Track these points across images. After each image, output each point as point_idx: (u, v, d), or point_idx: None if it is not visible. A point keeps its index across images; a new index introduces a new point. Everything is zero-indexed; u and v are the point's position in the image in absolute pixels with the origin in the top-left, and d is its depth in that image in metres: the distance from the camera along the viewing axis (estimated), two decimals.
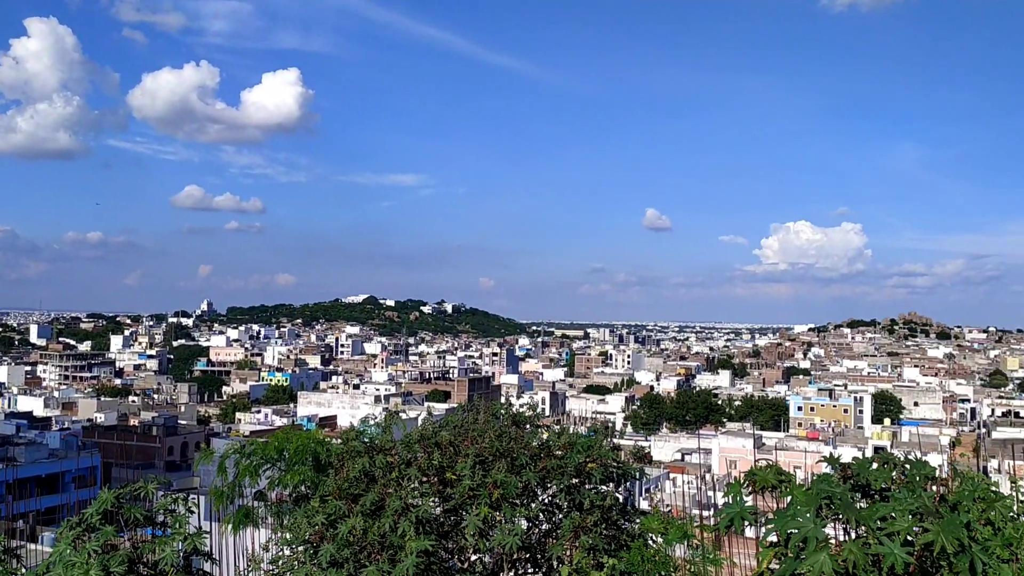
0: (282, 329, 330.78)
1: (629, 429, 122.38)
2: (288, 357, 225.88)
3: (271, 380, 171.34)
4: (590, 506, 6.56)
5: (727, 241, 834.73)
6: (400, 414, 8.94)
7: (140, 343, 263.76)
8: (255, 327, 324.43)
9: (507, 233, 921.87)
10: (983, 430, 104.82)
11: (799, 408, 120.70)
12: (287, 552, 6.72)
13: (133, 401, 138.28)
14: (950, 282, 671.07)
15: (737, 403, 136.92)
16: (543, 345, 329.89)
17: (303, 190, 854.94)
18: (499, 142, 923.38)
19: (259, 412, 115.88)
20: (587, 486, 7.02)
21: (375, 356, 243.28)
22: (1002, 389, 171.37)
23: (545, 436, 7.48)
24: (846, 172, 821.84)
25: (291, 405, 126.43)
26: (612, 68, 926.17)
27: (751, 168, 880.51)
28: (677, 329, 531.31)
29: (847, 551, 4.16)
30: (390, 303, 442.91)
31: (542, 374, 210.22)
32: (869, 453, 49.81)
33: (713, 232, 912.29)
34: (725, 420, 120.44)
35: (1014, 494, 6.42)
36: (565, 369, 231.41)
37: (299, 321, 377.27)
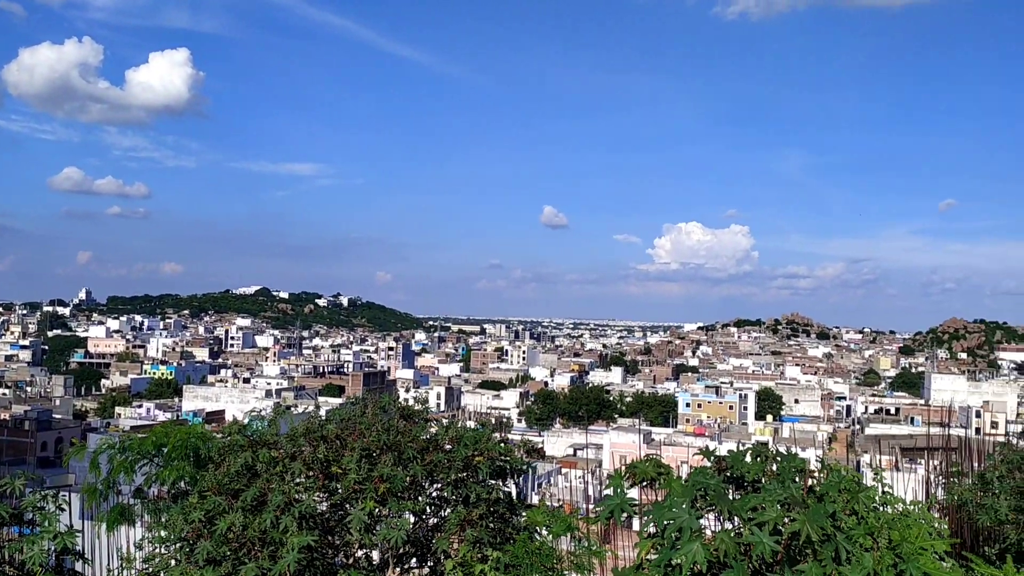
0: (167, 320, 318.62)
1: (523, 424, 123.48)
2: (173, 349, 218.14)
3: (154, 373, 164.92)
4: (476, 500, 6.57)
5: (622, 240, 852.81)
6: (292, 408, 8.73)
7: (12, 332, 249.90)
8: (138, 318, 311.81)
9: (405, 227, 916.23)
10: (857, 426, 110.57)
11: (687, 405, 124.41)
12: (161, 550, 6.48)
13: (4, 394, 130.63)
14: (830, 284, 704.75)
15: (628, 399, 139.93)
16: (440, 340, 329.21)
17: (193, 176, 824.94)
18: (399, 134, 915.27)
19: (141, 407, 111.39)
20: (474, 480, 7.04)
21: (267, 349, 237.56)
22: (875, 387, 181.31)
23: (434, 430, 7.46)
24: (735, 175, 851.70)
25: (176, 400, 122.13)
26: (512, 64, 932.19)
27: (646, 169, 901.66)
28: (572, 326, 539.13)
29: (719, 540, 4.31)
30: (284, 295, 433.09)
31: (438, 369, 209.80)
32: None
33: (608, 231, 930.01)
34: (616, 416, 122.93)
35: (878, 486, 6.80)
36: (461, 364, 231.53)
37: (186, 312, 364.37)
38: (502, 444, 7.58)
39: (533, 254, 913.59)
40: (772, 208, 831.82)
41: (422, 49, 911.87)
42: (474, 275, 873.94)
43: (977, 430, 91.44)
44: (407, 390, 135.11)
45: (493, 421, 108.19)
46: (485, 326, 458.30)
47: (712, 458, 5.26)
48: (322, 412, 7.65)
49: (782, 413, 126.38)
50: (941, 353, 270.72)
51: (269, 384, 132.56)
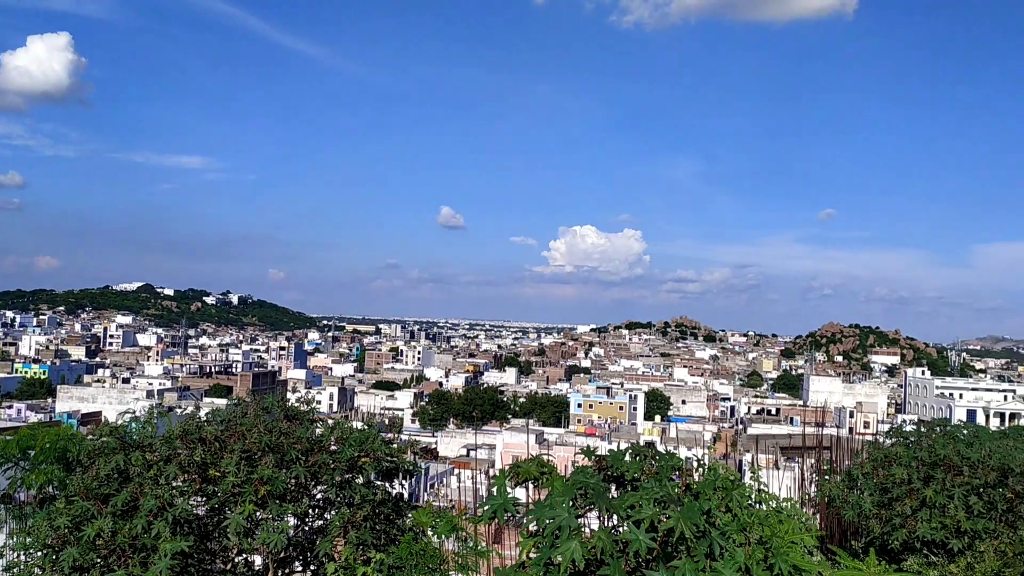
0: (41, 317, 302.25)
1: (417, 425, 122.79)
2: (47, 348, 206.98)
3: (26, 372, 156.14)
4: (361, 501, 6.50)
5: (518, 242, 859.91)
6: (176, 410, 8.43)
7: None
8: (9, 313, 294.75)
9: (299, 224, 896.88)
10: (740, 426, 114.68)
11: (579, 405, 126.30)
12: (23, 558, 6.14)
13: None
14: (717, 289, 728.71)
15: (522, 400, 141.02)
16: (334, 340, 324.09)
17: (71, 166, 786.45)
18: (292, 129, 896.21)
19: (11, 407, 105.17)
20: (360, 481, 6.96)
21: (149, 348, 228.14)
22: (758, 389, 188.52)
23: (320, 431, 7.33)
24: (629, 181, 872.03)
25: (49, 400, 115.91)
26: (409, 62, 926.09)
27: (542, 171, 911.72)
28: (468, 327, 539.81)
29: (597, 538, 4.40)
30: (169, 292, 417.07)
31: (331, 369, 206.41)
32: None
33: (505, 232, 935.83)
34: (510, 416, 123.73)
35: (754, 483, 7.07)
36: (355, 365, 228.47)
37: (61, 309, 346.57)
38: (389, 445, 7.52)
39: (430, 254, 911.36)
40: (663, 213, 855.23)
41: (315, 43, 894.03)
42: (370, 274, 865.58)
43: (850, 429, 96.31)
44: (293, 390, 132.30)
45: (386, 422, 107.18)
46: (380, 326, 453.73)
47: (593, 457, 5.36)
48: (202, 413, 7.40)
49: (670, 413, 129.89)
50: (819, 356, 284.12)
51: (151, 384, 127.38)
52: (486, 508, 5.14)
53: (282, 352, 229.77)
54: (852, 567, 7.39)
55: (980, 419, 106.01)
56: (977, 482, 8.95)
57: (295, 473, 6.32)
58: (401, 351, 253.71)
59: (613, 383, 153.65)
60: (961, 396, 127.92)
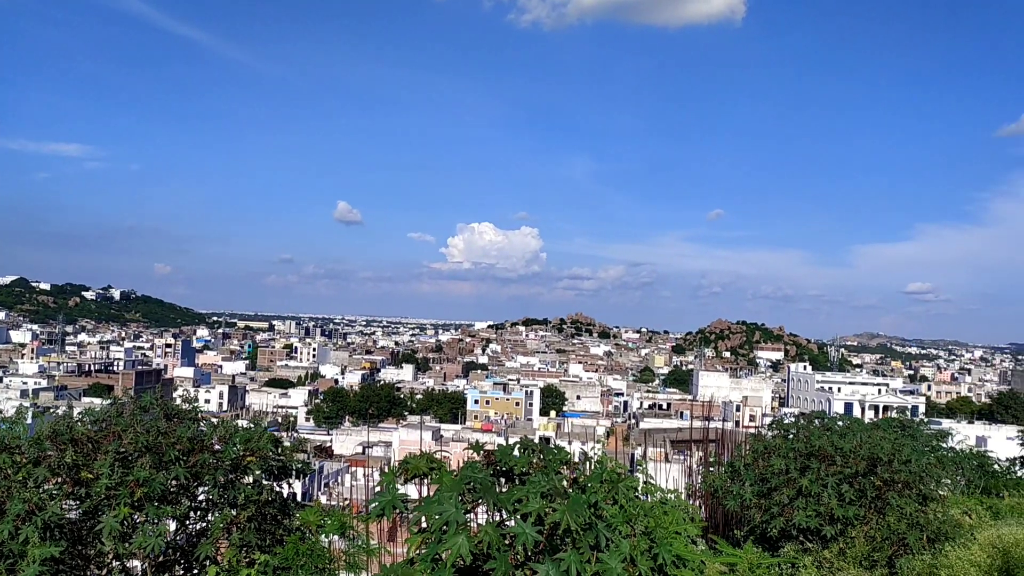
0: None
1: (311, 423, 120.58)
2: None
3: None
4: (245, 501, 6.33)
5: (416, 238, 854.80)
6: (53, 410, 8.03)
7: None
8: None
9: (188, 217, 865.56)
10: (633, 421, 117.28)
11: (476, 401, 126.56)
12: None
13: None
14: (611, 286, 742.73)
15: (419, 397, 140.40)
16: (224, 337, 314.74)
17: None
18: (181, 118, 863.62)
19: None
20: (247, 481, 6.78)
21: (23, 346, 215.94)
22: (650, 384, 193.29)
23: (204, 430, 7.10)
24: (527, 179, 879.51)
25: None
26: (306, 54, 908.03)
27: (441, 168, 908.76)
28: (364, 323, 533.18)
29: (483, 532, 4.42)
30: (44, 286, 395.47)
31: (221, 367, 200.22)
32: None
33: (403, 228, 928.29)
34: (407, 413, 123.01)
35: (641, 476, 7.24)
36: (247, 362, 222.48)
37: None
38: (278, 443, 7.35)
39: (326, 250, 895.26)
40: (560, 211, 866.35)
41: (206, 31, 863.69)
42: (263, 270, 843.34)
43: (737, 423, 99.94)
44: (175, 389, 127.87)
45: (279, 420, 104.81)
46: (274, 323, 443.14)
47: (481, 452, 5.38)
48: (76, 412, 7.05)
49: (565, 409, 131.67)
50: (708, 352, 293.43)
51: (25, 384, 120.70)
52: (374, 505, 5.08)
53: (168, 350, 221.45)
54: (731, 554, 7.69)
55: (856, 412, 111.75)
56: (849, 471, 9.43)
57: (174, 474, 6.10)
58: (295, 348, 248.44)
59: (510, 379, 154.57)
60: (839, 390, 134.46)
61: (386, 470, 5.64)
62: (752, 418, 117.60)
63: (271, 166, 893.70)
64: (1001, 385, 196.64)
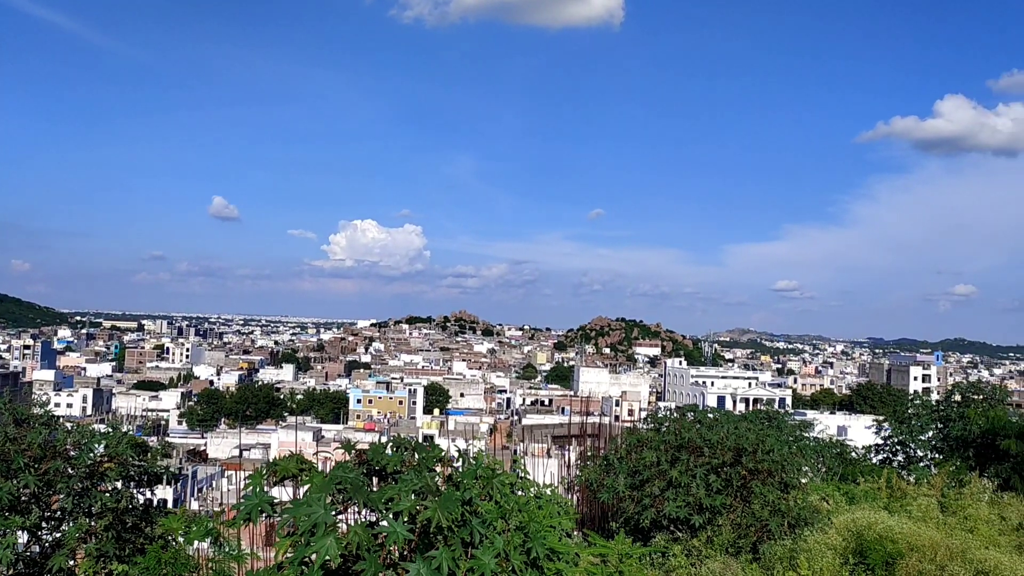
0: None
1: (184, 426, 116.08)
2: None
3: None
4: (102, 510, 6.03)
5: (296, 235, 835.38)
6: None
7: None
8: None
9: (48, 211, 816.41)
10: (516, 417, 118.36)
11: (358, 401, 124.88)
12: None
13: None
14: (495, 284, 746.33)
15: (299, 397, 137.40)
16: (88, 337, 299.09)
17: None
18: (42, 106, 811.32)
19: None
20: (103, 488, 6.45)
21: None
22: (532, 381, 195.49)
23: (57, 435, 6.71)
24: (410, 176, 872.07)
25: None
26: (179, 42, 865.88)
27: (322, 164, 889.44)
28: (242, 322, 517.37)
29: (352, 533, 4.35)
30: None
31: (85, 369, 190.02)
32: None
33: (283, 225, 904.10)
34: (287, 414, 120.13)
35: (517, 471, 7.31)
36: (114, 364, 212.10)
37: None
38: (140, 448, 7.03)
39: (200, 246, 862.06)
40: (444, 209, 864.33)
41: (68, 14, 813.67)
42: (132, 267, 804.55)
43: (616, 417, 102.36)
44: (32, 393, 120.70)
45: (149, 424, 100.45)
46: (144, 322, 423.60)
47: (353, 452, 5.30)
48: None
49: (449, 406, 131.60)
50: (589, 348, 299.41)
51: None
52: (240, 509, 4.93)
53: (26, 351, 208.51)
54: (602, 546, 7.85)
55: (728, 405, 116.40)
56: (716, 462, 9.82)
57: (24, 482, 5.74)
58: (167, 349, 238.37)
59: (393, 378, 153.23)
60: (712, 384, 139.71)
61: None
62: (631, 412, 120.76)
63: (141, 159, 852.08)
64: (860, 377, 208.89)
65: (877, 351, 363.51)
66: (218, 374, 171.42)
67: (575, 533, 9.28)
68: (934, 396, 38.53)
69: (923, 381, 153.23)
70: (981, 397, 26.69)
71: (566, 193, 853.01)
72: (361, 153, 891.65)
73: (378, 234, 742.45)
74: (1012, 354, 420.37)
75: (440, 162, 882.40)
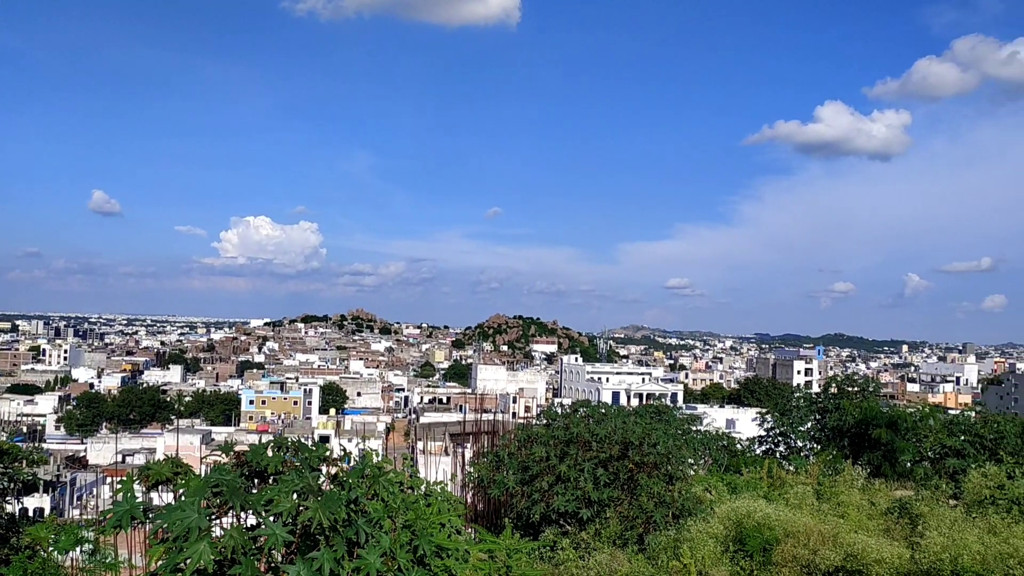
0: None
1: (62, 432, 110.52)
2: None
3: None
4: None
5: (184, 232, 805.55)
6: None
7: None
8: None
9: None
10: (414, 416, 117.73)
11: (251, 402, 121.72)
12: None
13: None
14: (392, 282, 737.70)
15: (188, 399, 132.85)
16: None
17: None
18: None
19: None
20: None
21: None
22: (430, 379, 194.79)
23: None
24: (305, 172, 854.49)
25: None
26: (55, 27, 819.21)
27: (212, 158, 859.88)
28: (125, 322, 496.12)
29: (227, 537, 4.25)
30: None
31: None
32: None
33: (169, 221, 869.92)
34: (174, 417, 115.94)
35: (406, 470, 7.27)
36: None
37: None
38: (3, 455, 6.68)
39: (80, 243, 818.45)
40: (340, 207, 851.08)
41: None
42: (4, 264, 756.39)
43: (514, 414, 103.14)
44: None
45: (24, 429, 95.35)
46: (18, 322, 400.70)
47: (231, 453, 5.17)
48: None
49: (346, 406, 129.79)
50: (487, 346, 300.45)
51: None
52: (110, 516, 4.74)
53: None
54: (491, 541, 7.91)
55: (623, 400, 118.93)
56: (604, 456, 10.03)
57: None
58: (44, 350, 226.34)
59: (288, 378, 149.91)
60: (607, 380, 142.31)
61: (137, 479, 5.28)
62: (527, 409, 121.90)
63: (13, 150, 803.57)
64: (747, 372, 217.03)
65: (763, 346, 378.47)
66: (99, 376, 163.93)
67: (466, 530, 9.32)
68: (815, 389, 40.42)
69: (806, 375, 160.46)
70: (856, 389, 28.16)
71: (464, 191, 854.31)
72: (253, 148, 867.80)
73: (272, 231, 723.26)
74: (887, 348, 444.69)
75: (336, 158, 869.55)
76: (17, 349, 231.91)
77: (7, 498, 6.43)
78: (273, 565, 4.78)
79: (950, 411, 28.99)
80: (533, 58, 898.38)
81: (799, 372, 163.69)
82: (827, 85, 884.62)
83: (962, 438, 21.44)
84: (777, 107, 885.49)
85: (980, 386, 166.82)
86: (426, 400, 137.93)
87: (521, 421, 21.05)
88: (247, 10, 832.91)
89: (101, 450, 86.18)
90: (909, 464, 20.53)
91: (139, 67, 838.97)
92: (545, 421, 12.26)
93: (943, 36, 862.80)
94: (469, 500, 13.53)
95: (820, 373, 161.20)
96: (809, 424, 26.29)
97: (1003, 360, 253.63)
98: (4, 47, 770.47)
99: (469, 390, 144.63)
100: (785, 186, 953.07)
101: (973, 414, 25.28)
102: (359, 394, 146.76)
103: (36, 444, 79.70)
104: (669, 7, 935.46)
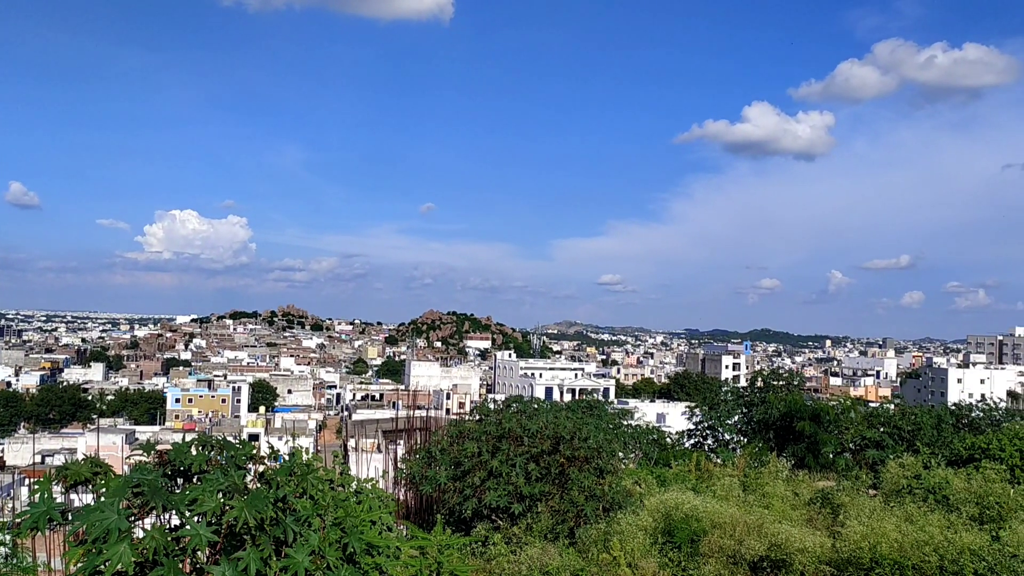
0: None
1: None
2: None
3: None
4: None
5: (107, 225, 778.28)
6: None
7: None
8: None
9: None
10: (346, 413, 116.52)
11: (177, 400, 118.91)
12: None
13: None
14: (324, 278, 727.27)
15: (111, 397, 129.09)
16: None
17: None
18: None
19: None
20: None
21: None
22: (363, 375, 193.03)
23: None
24: (233, 165, 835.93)
25: None
26: None
27: (135, 150, 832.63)
28: (44, 318, 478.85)
29: (148, 537, 4.14)
30: None
31: None
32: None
33: (91, 214, 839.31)
34: (96, 416, 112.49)
35: (336, 467, 7.20)
36: None
37: None
38: None
39: None
40: (270, 201, 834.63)
41: None
42: None
43: (447, 411, 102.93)
44: None
45: None
46: None
47: (153, 452, 5.04)
48: None
49: (276, 404, 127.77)
50: (420, 342, 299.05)
51: None
52: (25, 518, 4.58)
53: None
54: (423, 538, 7.90)
55: (556, 395, 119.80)
56: (536, 450, 10.09)
57: None
58: None
59: (216, 375, 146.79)
60: (541, 375, 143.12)
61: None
62: (461, 405, 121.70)
63: None
64: (678, 367, 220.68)
65: (693, 341, 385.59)
66: (16, 375, 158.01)
67: (398, 527, 9.27)
68: (742, 383, 41.39)
69: (734, 369, 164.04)
70: (781, 383, 28.92)
71: (397, 186, 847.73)
72: (180, 141, 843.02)
73: (199, 225, 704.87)
74: (811, 343, 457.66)
75: (267, 152, 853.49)
76: None
77: None
78: (198, 566, 4.69)
79: (870, 404, 30.00)
80: (466, 53, 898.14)
81: (727, 367, 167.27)
82: (754, 86, 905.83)
83: (881, 430, 22.21)
84: (706, 107, 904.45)
85: (899, 379, 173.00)
86: (358, 397, 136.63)
87: (455, 417, 21.04)
88: None
89: (19, 451, 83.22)
90: (831, 455, 21.16)
91: (59, 55, 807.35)
92: (478, 417, 12.26)
93: (865, 40, 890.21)
94: (401, 497, 13.47)
95: (747, 368, 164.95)
96: (736, 417, 26.89)
97: (920, 354, 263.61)
98: None
99: (402, 387, 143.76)
100: (714, 184, 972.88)
101: (892, 407, 26.24)
102: (290, 391, 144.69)
103: None
104: (601, 6, 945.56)
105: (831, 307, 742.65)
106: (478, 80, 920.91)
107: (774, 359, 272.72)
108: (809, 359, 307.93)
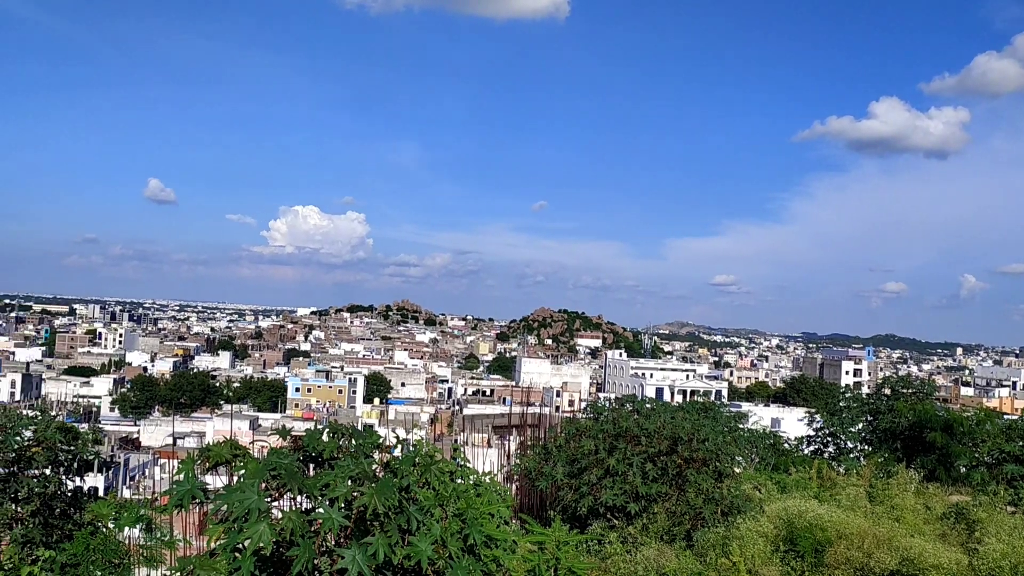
0: None
1: (116, 413, 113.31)
2: None
3: None
4: (28, 495, 5.86)
5: (235, 220, 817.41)
6: None
7: None
8: None
9: None
10: (457, 407, 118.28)
11: (297, 389, 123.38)
12: None
13: None
14: (438, 274, 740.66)
15: (236, 385, 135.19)
16: (17, 321, 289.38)
17: None
18: None
19: None
20: (30, 473, 6.27)
21: None
22: (474, 371, 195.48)
23: None
24: (354, 163, 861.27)
25: None
26: (115, 19, 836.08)
27: (263, 149, 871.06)
28: (177, 308, 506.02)
29: (286, 519, 4.31)
30: None
31: (14, 354, 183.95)
32: None
33: (221, 210, 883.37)
34: (223, 402, 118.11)
35: (457, 460, 7.31)
36: (44, 348, 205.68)
37: None
38: (69, 433, 6.84)
39: (135, 230, 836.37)
40: (387, 198, 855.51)
41: None
42: (63, 249, 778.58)
43: (557, 408, 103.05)
44: None
45: (79, 410, 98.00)
46: (76, 306, 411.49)
47: (288, 438, 5.25)
48: None
49: (390, 396, 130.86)
50: (531, 339, 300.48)
51: None
52: (172, 495, 4.84)
53: None
54: (540, 533, 7.91)
55: (666, 396, 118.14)
56: (653, 450, 9.95)
57: None
58: (100, 334, 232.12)
59: (333, 366, 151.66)
60: (651, 376, 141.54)
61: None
62: (571, 403, 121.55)
63: (73, 139, 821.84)
64: (793, 371, 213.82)
65: (810, 345, 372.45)
66: (152, 360, 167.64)
67: (513, 521, 9.34)
68: (864, 390, 39.71)
69: (854, 375, 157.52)
70: (910, 391, 27.58)
71: (511, 184, 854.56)
72: (303, 138, 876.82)
73: (320, 221, 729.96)
74: (940, 350, 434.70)
75: (384, 150, 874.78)
76: (74, 332, 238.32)
77: (71, 476, 6.60)
78: (326, 549, 4.84)
79: (1007, 416, 28.26)
80: (581, 52, 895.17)
81: (847, 373, 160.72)
82: (882, 81, 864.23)
83: (1020, 444, 20.88)
84: (829, 103, 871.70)
85: None
86: (470, 392, 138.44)
87: (565, 415, 21.00)
88: (298, 4, 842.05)
89: (153, 432, 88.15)
90: (964, 469, 20.04)
91: (193, 59, 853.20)
92: (592, 415, 12.20)
93: (1004, 31, 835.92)
94: (514, 492, 13.55)
95: (869, 374, 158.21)
96: (860, 425, 25.82)
97: None
98: (68, 40, 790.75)
99: (513, 383, 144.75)
100: (837, 183, 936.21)
101: None
102: (403, 384, 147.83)
103: (92, 424, 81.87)
104: (719, 2, 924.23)
105: (963, 313, 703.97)
106: (592, 78, 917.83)
107: (899, 366, 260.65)
108: (938, 367, 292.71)
